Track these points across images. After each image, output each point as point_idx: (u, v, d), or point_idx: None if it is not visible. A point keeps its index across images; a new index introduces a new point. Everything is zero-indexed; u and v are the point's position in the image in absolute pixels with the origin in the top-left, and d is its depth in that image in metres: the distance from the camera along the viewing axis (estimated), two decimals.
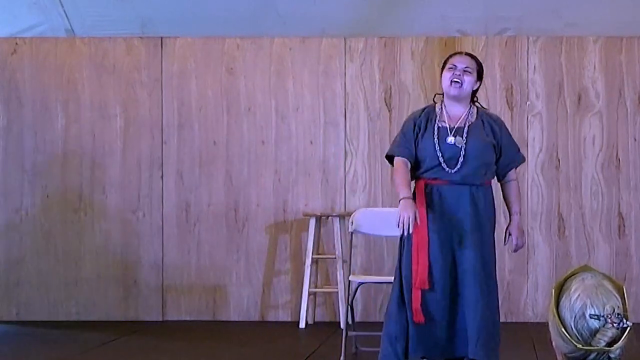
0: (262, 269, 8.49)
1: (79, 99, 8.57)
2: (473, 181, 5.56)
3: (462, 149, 5.53)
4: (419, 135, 5.63)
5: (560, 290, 2.37)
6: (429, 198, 5.55)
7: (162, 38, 8.56)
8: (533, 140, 8.34)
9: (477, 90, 5.72)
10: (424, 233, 5.51)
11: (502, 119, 8.22)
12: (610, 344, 2.27)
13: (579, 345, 2.28)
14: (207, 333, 7.99)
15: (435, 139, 5.55)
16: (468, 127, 5.59)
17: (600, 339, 2.26)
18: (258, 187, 8.49)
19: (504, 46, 8.39)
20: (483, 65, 5.76)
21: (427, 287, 5.45)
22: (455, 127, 5.59)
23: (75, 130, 8.56)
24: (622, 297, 2.33)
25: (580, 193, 8.31)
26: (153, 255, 8.53)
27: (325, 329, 8.05)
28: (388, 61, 8.45)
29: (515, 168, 5.77)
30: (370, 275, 8.18)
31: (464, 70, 5.60)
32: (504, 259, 8.31)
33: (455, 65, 5.61)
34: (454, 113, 5.64)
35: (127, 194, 8.54)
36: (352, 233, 6.95)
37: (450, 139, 5.55)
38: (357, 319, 7.31)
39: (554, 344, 2.37)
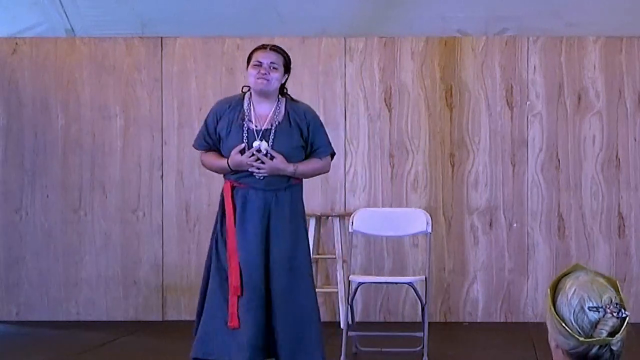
0: None
1: (79, 99, 8.57)
2: (279, 185, 5.48)
3: (269, 157, 5.42)
4: (223, 131, 5.51)
5: (555, 289, 2.39)
6: (234, 202, 5.47)
7: (162, 38, 8.56)
8: (533, 140, 8.34)
9: (285, 83, 5.55)
10: (233, 239, 5.45)
11: (502, 119, 8.35)
12: (611, 334, 2.29)
13: (581, 339, 2.29)
14: None
15: (245, 144, 5.43)
16: (275, 130, 5.46)
17: (602, 330, 2.29)
18: None
19: (504, 46, 8.39)
20: (290, 57, 5.58)
21: (239, 294, 5.38)
22: (263, 129, 5.45)
23: (75, 130, 8.56)
24: (617, 290, 2.36)
25: (580, 193, 8.31)
26: (153, 255, 8.53)
27: (325, 329, 8.00)
28: (388, 61, 8.45)
29: (323, 157, 5.64)
30: (370, 275, 8.18)
31: (270, 66, 5.45)
32: (504, 259, 8.32)
33: (260, 62, 5.45)
34: (261, 111, 5.49)
35: (127, 194, 8.54)
36: (352, 233, 6.95)
37: (256, 143, 5.41)
38: (357, 319, 7.30)
39: (553, 343, 2.37)
